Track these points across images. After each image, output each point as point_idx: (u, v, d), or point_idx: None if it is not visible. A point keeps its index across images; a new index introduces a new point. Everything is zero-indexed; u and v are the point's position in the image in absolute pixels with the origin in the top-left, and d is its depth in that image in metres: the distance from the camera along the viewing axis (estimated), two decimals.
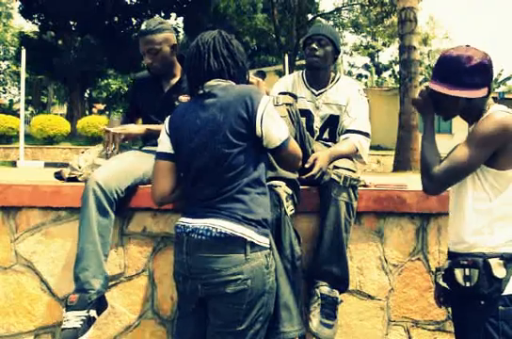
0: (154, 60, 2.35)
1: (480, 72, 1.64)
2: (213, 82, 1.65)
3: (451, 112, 1.76)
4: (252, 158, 1.61)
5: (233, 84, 1.67)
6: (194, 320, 1.67)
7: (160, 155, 1.75)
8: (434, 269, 2.35)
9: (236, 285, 1.52)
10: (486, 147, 1.59)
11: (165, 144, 1.73)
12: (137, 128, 2.32)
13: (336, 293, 2.13)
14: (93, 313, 1.92)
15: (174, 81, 2.42)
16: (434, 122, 1.76)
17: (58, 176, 2.44)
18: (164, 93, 2.42)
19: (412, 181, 2.80)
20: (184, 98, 2.39)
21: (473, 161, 1.60)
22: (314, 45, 2.44)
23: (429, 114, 1.76)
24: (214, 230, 1.54)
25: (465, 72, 1.63)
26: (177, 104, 2.39)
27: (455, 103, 1.68)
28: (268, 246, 1.61)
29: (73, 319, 1.87)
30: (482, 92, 1.64)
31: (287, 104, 2.22)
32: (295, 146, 1.73)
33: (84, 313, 1.89)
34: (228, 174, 1.59)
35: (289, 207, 2.07)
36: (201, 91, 1.67)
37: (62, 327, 1.88)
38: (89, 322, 1.91)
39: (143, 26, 2.35)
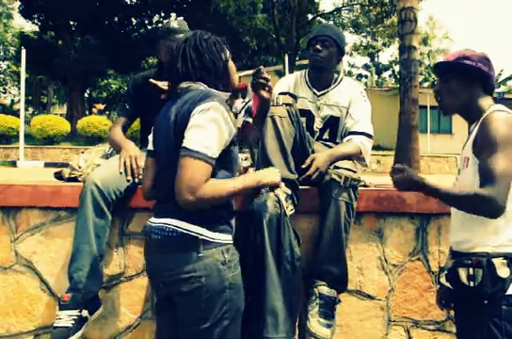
0: None
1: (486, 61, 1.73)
2: (183, 84, 1.65)
3: (453, 101, 1.76)
4: None
5: (202, 87, 1.64)
6: (166, 318, 1.68)
7: (147, 152, 1.79)
8: (434, 269, 2.36)
9: (191, 283, 1.53)
10: (510, 146, 1.58)
11: (150, 142, 1.77)
12: None
13: (335, 293, 2.13)
14: (85, 312, 1.93)
15: None
16: (432, 184, 1.68)
17: (58, 176, 2.45)
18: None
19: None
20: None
21: (511, 163, 1.57)
22: (318, 46, 2.44)
23: (421, 184, 1.69)
24: (167, 229, 1.56)
25: (465, 58, 1.73)
26: None
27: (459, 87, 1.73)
28: (226, 242, 1.59)
29: (65, 318, 1.88)
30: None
31: (287, 105, 2.22)
32: (195, 169, 1.47)
33: (76, 312, 1.90)
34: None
35: (289, 207, 2.07)
36: (177, 93, 1.68)
37: (54, 325, 1.90)
38: (81, 322, 1.92)
39: (174, 25, 2.37)
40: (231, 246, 1.61)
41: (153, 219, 1.63)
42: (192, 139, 1.51)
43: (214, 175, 1.55)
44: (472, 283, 1.62)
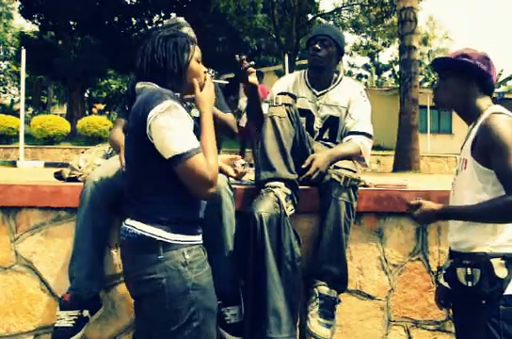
0: None
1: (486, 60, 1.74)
2: (138, 85, 1.64)
3: (449, 97, 1.76)
4: (157, 163, 1.54)
5: (153, 87, 1.60)
6: (140, 319, 1.67)
7: None
8: (434, 269, 2.36)
9: (153, 285, 1.52)
10: None
11: None
12: None
13: (335, 293, 2.13)
14: (86, 312, 1.93)
15: None
16: (453, 207, 1.71)
17: (58, 176, 2.45)
18: None
19: (412, 181, 2.80)
20: (189, 96, 2.39)
21: None
22: (317, 46, 2.43)
23: (439, 213, 1.71)
24: (129, 231, 1.57)
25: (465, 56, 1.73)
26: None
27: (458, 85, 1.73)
28: (188, 243, 1.57)
29: (66, 318, 1.89)
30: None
31: (286, 105, 2.22)
32: (197, 164, 1.48)
33: (77, 312, 1.90)
34: (137, 178, 1.60)
35: (288, 207, 2.07)
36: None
37: (55, 325, 1.90)
38: (82, 322, 1.91)
39: (181, 20, 2.42)
40: (194, 246, 1.58)
41: (125, 221, 1.64)
42: (172, 145, 1.48)
43: (169, 174, 1.54)
44: (470, 283, 1.62)
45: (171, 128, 1.48)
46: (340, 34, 2.53)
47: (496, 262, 1.61)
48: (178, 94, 1.63)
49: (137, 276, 1.55)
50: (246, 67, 2.16)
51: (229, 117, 2.47)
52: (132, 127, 1.59)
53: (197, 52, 1.67)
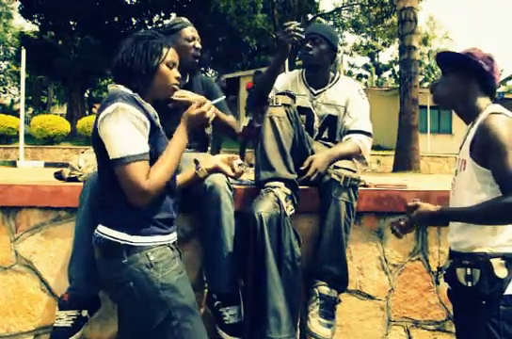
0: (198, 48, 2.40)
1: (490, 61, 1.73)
2: (109, 86, 1.65)
3: (447, 93, 1.76)
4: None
5: (115, 88, 1.59)
6: (120, 321, 1.69)
7: None
8: (434, 269, 2.36)
9: (123, 289, 1.54)
10: None
11: None
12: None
13: (335, 293, 2.13)
14: (85, 312, 1.93)
15: (186, 80, 2.43)
16: (451, 209, 1.71)
17: (58, 176, 2.45)
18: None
19: (412, 181, 2.80)
20: (180, 98, 2.39)
21: None
22: (308, 44, 2.45)
23: (436, 214, 1.70)
24: (97, 235, 1.58)
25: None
26: None
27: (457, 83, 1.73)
28: (151, 244, 1.56)
29: (65, 318, 1.89)
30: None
31: (285, 105, 2.22)
32: (132, 171, 1.47)
33: (75, 312, 1.90)
34: (101, 182, 1.65)
35: (288, 207, 2.07)
36: None
37: (54, 325, 1.90)
38: (81, 322, 1.91)
39: (185, 19, 2.43)
40: (159, 247, 1.57)
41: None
42: (113, 149, 1.50)
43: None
44: (469, 284, 1.62)
45: (115, 132, 1.49)
46: (331, 31, 2.55)
47: (496, 262, 1.60)
48: (137, 95, 1.58)
49: (109, 280, 1.57)
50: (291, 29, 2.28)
51: (230, 118, 2.47)
52: (92, 130, 1.61)
53: (171, 56, 1.65)
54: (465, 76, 1.73)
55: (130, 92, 1.57)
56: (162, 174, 1.52)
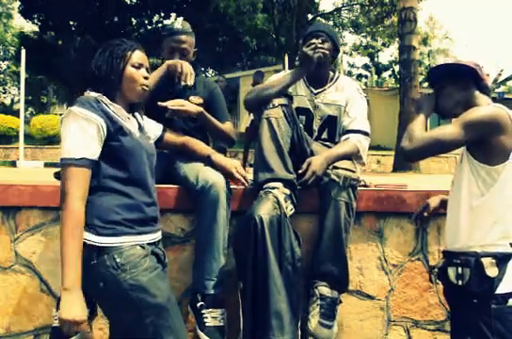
0: (182, 60, 2.37)
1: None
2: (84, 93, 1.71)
3: (450, 102, 1.80)
4: None
5: (84, 96, 1.65)
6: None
7: None
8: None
9: (95, 290, 1.57)
10: (469, 130, 1.64)
11: None
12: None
13: (335, 293, 2.12)
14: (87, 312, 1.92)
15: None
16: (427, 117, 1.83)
17: (58, 176, 2.44)
18: (176, 93, 2.41)
19: (412, 181, 2.80)
20: (194, 99, 2.39)
21: (453, 138, 1.65)
22: (315, 40, 2.44)
23: (428, 108, 1.83)
24: None
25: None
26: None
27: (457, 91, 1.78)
28: (118, 245, 1.57)
29: None
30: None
31: (282, 105, 2.22)
32: (66, 175, 1.54)
33: None
34: None
35: (288, 207, 2.07)
36: None
37: (53, 325, 1.87)
38: None
39: (177, 26, 2.40)
40: (126, 248, 1.58)
41: None
42: (61, 150, 1.56)
43: (99, 173, 1.58)
44: (460, 282, 1.64)
45: (65, 132, 1.58)
46: (334, 31, 2.56)
47: (487, 261, 1.63)
48: (103, 97, 1.65)
49: (85, 282, 1.56)
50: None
51: (227, 126, 2.48)
52: None
53: (136, 58, 1.70)
54: (462, 83, 1.78)
55: (95, 96, 1.64)
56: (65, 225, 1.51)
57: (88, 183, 1.56)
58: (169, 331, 1.59)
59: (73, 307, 1.46)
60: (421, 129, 1.73)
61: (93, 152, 1.57)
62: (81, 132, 1.55)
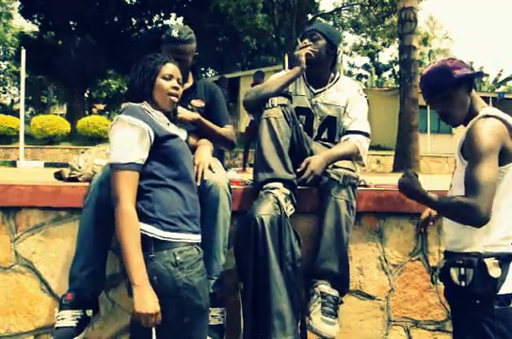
0: (179, 68, 2.36)
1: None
2: (123, 105, 1.80)
3: (462, 111, 1.77)
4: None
5: (130, 105, 1.75)
6: None
7: None
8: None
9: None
10: (493, 154, 1.60)
11: None
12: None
13: (336, 292, 2.12)
14: (90, 312, 1.92)
15: (187, 85, 2.42)
16: (430, 195, 1.72)
17: (58, 176, 2.45)
18: None
19: None
20: (196, 102, 2.39)
21: (492, 171, 1.59)
22: (307, 40, 2.45)
23: (421, 194, 1.73)
24: None
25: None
26: (189, 107, 2.39)
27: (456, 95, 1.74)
28: (180, 241, 1.63)
29: (69, 318, 1.87)
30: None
31: (281, 105, 2.22)
32: (115, 179, 1.64)
33: (80, 312, 1.89)
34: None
35: (288, 207, 2.07)
36: None
37: (56, 326, 1.87)
38: (85, 322, 1.90)
39: (175, 34, 2.32)
40: (186, 247, 1.65)
41: None
42: (110, 157, 1.67)
43: (151, 173, 1.66)
44: (463, 283, 1.64)
45: (113, 138, 1.68)
46: (329, 28, 2.57)
47: (490, 262, 1.62)
48: (146, 104, 1.77)
49: None
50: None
51: (227, 130, 2.46)
52: None
53: (167, 69, 1.82)
54: (462, 89, 1.75)
55: (138, 105, 1.75)
56: (122, 225, 1.58)
57: (136, 185, 1.63)
58: (200, 334, 1.69)
59: (146, 301, 1.53)
60: (456, 199, 1.61)
61: (140, 156, 1.64)
62: (128, 138, 1.64)
